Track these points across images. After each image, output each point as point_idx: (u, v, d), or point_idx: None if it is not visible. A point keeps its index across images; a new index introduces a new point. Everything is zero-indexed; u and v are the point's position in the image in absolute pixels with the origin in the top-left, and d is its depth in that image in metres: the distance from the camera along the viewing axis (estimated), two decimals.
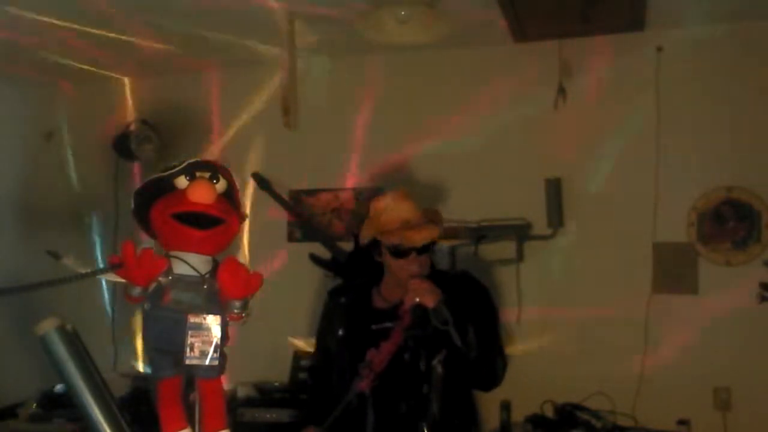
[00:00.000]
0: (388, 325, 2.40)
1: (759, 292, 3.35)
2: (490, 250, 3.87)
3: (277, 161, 4.17)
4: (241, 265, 1.39)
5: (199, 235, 1.36)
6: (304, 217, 4.15)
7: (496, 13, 3.41)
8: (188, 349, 1.32)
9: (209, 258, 1.40)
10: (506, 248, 3.85)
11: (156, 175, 1.43)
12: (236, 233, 1.42)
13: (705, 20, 3.59)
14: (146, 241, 1.48)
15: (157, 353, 1.37)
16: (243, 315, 1.39)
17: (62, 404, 3.78)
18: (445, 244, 3.71)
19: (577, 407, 3.52)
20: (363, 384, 2.30)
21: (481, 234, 3.82)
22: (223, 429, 1.38)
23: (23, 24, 3.54)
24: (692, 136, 3.68)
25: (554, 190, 3.74)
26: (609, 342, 3.68)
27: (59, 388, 3.72)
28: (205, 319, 1.33)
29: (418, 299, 2.34)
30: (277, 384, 3.96)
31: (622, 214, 3.73)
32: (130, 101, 4.50)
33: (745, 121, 3.61)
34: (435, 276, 2.49)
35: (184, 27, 3.64)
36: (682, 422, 3.40)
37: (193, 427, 1.37)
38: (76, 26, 3.61)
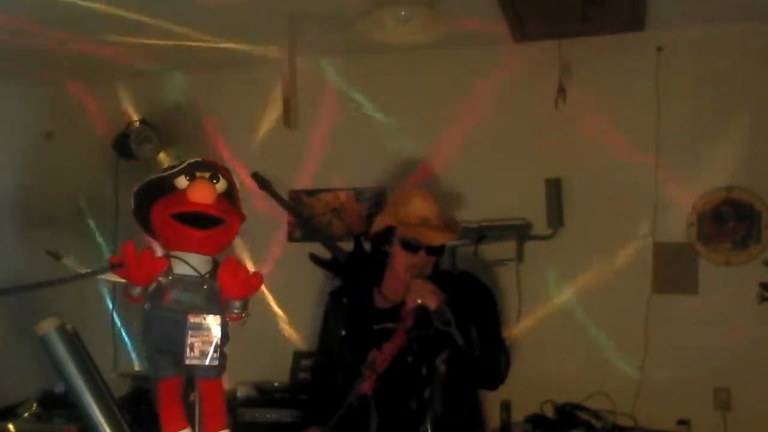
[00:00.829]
0: (390, 325, 2.40)
1: (759, 292, 3.35)
2: (490, 250, 3.87)
3: (277, 161, 4.17)
4: (241, 265, 1.39)
5: (199, 235, 1.36)
6: (304, 217, 4.15)
7: (496, 13, 3.41)
8: (188, 349, 1.32)
9: (209, 258, 1.40)
10: (506, 248, 3.85)
11: (156, 175, 1.43)
12: (236, 233, 1.42)
13: (705, 20, 3.59)
14: (146, 242, 1.48)
15: (157, 353, 1.36)
16: (243, 315, 1.39)
17: (62, 404, 3.78)
18: None
19: (577, 407, 3.51)
20: (365, 385, 2.29)
21: (481, 234, 3.82)
22: (223, 429, 1.38)
23: (23, 24, 3.54)
24: (692, 136, 3.68)
25: (554, 190, 3.74)
26: (609, 342, 3.68)
27: (59, 388, 3.72)
28: (205, 319, 1.33)
29: (420, 300, 2.34)
30: (277, 384, 3.96)
31: (622, 214, 3.73)
32: (130, 101, 4.49)
33: (746, 121, 3.61)
34: (438, 276, 2.49)
35: (184, 27, 3.64)
36: (682, 422, 3.40)
37: (193, 427, 1.37)
38: (76, 26, 3.61)
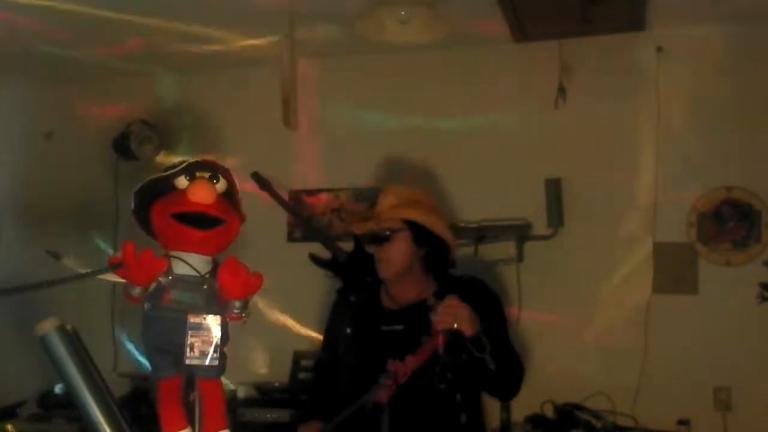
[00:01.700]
0: (399, 327, 2.38)
1: (759, 292, 3.35)
2: (490, 250, 3.87)
3: (277, 161, 4.16)
4: (241, 265, 1.38)
5: (200, 235, 1.35)
6: (304, 217, 4.15)
7: (496, 13, 3.42)
8: (188, 349, 1.32)
9: (209, 258, 1.39)
10: (506, 248, 3.85)
11: (156, 175, 1.42)
12: (237, 233, 1.42)
13: (705, 20, 3.59)
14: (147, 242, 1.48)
15: (157, 353, 1.36)
16: (243, 315, 1.39)
17: (62, 404, 3.78)
18: None
19: (577, 407, 3.52)
20: (383, 394, 2.21)
21: (481, 234, 3.82)
22: (223, 429, 1.38)
23: (23, 23, 3.54)
24: (692, 136, 3.68)
25: (554, 190, 3.74)
26: (609, 342, 3.69)
27: (59, 388, 3.72)
28: (205, 319, 1.33)
29: (456, 325, 2.22)
30: (277, 384, 3.96)
31: (622, 214, 3.74)
32: (130, 101, 4.49)
33: (745, 121, 3.61)
34: (449, 282, 2.47)
35: (184, 27, 3.64)
36: (682, 422, 3.40)
37: (193, 427, 1.37)
38: (76, 26, 3.61)
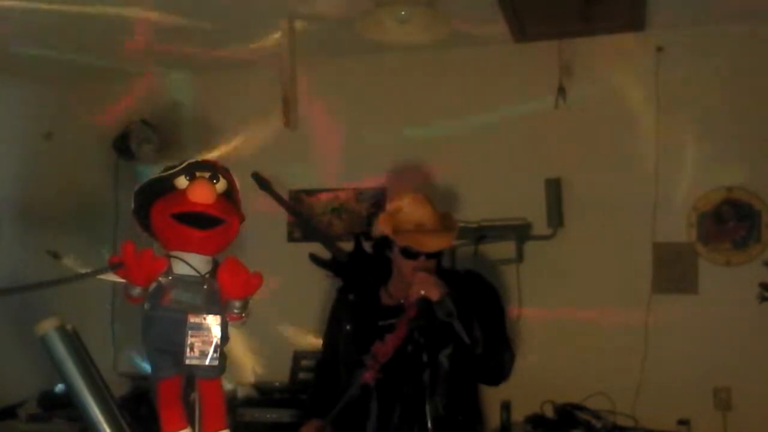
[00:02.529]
0: (394, 321, 2.41)
1: (759, 292, 3.35)
2: (490, 250, 3.87)
3: (277, 161, 4.16)
4: (241, 265, 1.39)
5: (200, 235, 1.36)
6: (304, 217, 4.15)
7: (496, 13, 3.41)
8: (188, 349, 1.32)
9: (209, 258, 1.40)
10: (506, 248, 3.85)
11: (156, 175, 1.43)
12: (236, 233, 1.42)
13: (705, 20, 3.59)
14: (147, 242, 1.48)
15: (157, 353, 1.36)
16: (243, 315, 1.39)
17: (62, 404, 3.78)
18: None
19: (577, 407, 3.52)
20: (367, 375, 2.31)
21: (481, 234, 3.82)
22: (223, 429, 1.38)
23: (23, 23, 3.54)
24: (692, 136, 3.68)
25: (554, 190, 3.74)
26: (609, 342, 3.69)
27: (59, 388, 3.72)
28: (205, 319, 1.33)
29: (423, 292, 2.35)
30: (277, 384, 3.96)
31: (622, 214, 3.73)
32: (130, 101, 4.49)
33: (746, 121, 3.61)
34: (442, 274, 2.50)
35: (184, 27, 3.64)
36: (682, 422, 3.40)
37: (193, 427, 1.37)
38: (75, 26, 3.61)
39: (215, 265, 1.39)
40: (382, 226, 2.51)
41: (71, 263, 1.31)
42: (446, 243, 2.50)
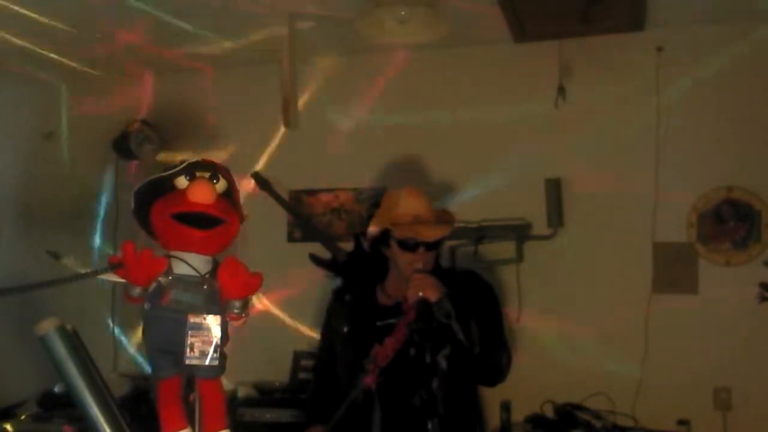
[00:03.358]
0: (393, 321, 2.40)
1: (759, 292, 3.35)
2: (490, 250, 3.87)
3: (277, 161, 4.17)
4: (241, 265, 1.39)
5: (200, 236, 1.36)
6: (304, 217, 4.15)
7: (496, 13, 3.41)
8: (188, 349, 1.32)
9: (209, 258, 1.40)
10: (506, 248, 3.85)
11: (156, 175, 1.43)
12: (236, 233, 1.42)
13: (705, 20, 3.59)
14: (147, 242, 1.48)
15: (157, 353, 1.36)
16: (243, 315, 1.39)
17: (62, 404, 3.78)
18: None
19: (577, 407, 3.52)
20: (368, 379, 2.29)
21: (481, 234, 3.82)
22: (223, 429, 1.38)
23: (23, 23, 3.54)
24: (692, 136, 3.68)
25: (554, 190, 3.74)
26: (609, 342, 3.68)
27: (59, 388, 3.72)
28: (205, 319, 1.33)
29: (421, 293, 2.35)
30: (277, 384, 3.96)
31: (622, 214, 3.73)
32: (130, 101, 4.49)
33: (745, 121, 3.61)
34: (440, 273, 2.49)
35: (184, 26, 3.64)
36: (682, 422, 3.40)
37: (193, 427, 1.37)
38: (75, 26, 3.61)
39: (215, 265, 1.39)
40: (378, 221, 2.51)
41: (71, 263, 1.31)
42: (444, 232, 2.49)
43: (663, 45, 3.68)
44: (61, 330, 1.24)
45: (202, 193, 1.36)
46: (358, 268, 2.72)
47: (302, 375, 3.93)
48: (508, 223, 3.83)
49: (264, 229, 4.07)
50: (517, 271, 3.84)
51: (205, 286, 1.36)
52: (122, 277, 1.33)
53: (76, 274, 1.30)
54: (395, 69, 4.08)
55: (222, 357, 1.35)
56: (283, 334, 4.08)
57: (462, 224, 3.77)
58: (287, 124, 3.57)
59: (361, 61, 4.11)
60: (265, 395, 3.87)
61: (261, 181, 4.09)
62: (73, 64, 4.23)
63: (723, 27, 3.62)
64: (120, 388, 3.73)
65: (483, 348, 2.38)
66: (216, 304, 1.36)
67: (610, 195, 3.75)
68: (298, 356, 4.01)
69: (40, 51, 3.99)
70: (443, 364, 2.43)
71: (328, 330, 2.72)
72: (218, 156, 4.22)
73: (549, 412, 3.54)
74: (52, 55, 4.06)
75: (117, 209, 4.28)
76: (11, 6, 3.32)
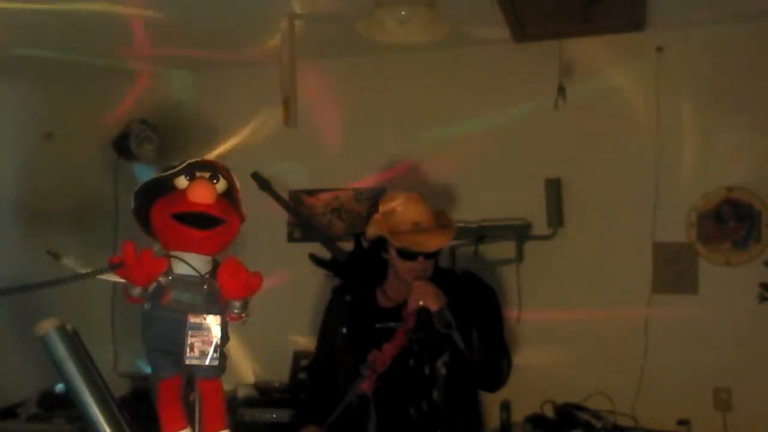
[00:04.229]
0: (392, 324, 2.39)
1: (759, 292, 3.35)
2: (490, 250, 3.87)
3: (277, 161, 4.17)
4: (241, 265, 1.39)
5: (200, 236, 1.35)
6: (304, 217, 4.15)
7: (496, 13, 3.41)
8: (188, 349, 1.32)
9: (209, 258, 1.39)
10: (506, 248, 3.85)
11: (156, 175, 1.42)
12: (237, 233, 1.42)
13: (705, 20, 3.59)
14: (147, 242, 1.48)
15: (157, 353, 1.36)
16: (243, 315, 1.39)
17: (62, 404, 3.78)
18: None
19: (577, 407, 3.52)
20: (365, 385, 2.28)
21: (481, 234, 3.82)
22: (223, 429, 1.38)
23: (23, 23, 3.54)
24: (692, 136, 3.68)
25: (554, 190, 3.74)
26: (609, 342, 3.69)
27: (59, 388, 3.72)
28: (205, 319, 1.33)
29: (422, 302, 2.33)
30: (277, 384, 3.97)
31: (622, 214, 3.73)
32: (130, 101, 4.49)
33: (745, 121, 3.61)
34: (440, 275, 2.48)
35: (184, 26, 3.64)
36: (682, 422, 3.40)
37: (193, 427, 1.37)
38: (76, 26, 3.61)
39: (215, 265, 1.39)
40: (376, 228, 2.47)
41: (71, 263, 1.31)
42: (445, 241, 2.46)
43: (663, 45, 3.68)
44: (61, 330, 1.24)
45: (202, 193, 1.35)
46: (358, 269, 2.71)
47: (302, 375, 3.94)
48: (508, 223, 3.83)
49: (264, 229, 4.07)
50: (517, 271, 3.84)
51: (205, 286, 1.36)
52: (122, 277, 1.33)
53: (76, 274, 1.30)
54: (395, 69, 4.08)
55: (222, 357, 1.35)
56: (283, 334, 4.08)
57: (462, 224, 3.77)
58: (287, 124, 3.57)
59: (361, 61, 4.11)
60: (265, 395, 3.87)
61: (261, 181, 4.08)
62: (73, 64, 4.23)
63: (723, 27, 3.62)
64: (120, 388, 3.74)
65: (483, 355, 2.37)
66: (216, 304, 1.36)
67: (610, 195, 3.75)
68: (298, 356, 4.02)
69: (40, 51, 3.99)
70: (443, 370, 2.42)
71: (326, 329, 2.72)
72: (218, 156, 4.23)
73: (549, 412, 3.54)
74: (52, 55, 4.06)
75: (117, 209, 4.28)
76: (11, 7, 3.32)
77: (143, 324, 1.37)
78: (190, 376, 1.37)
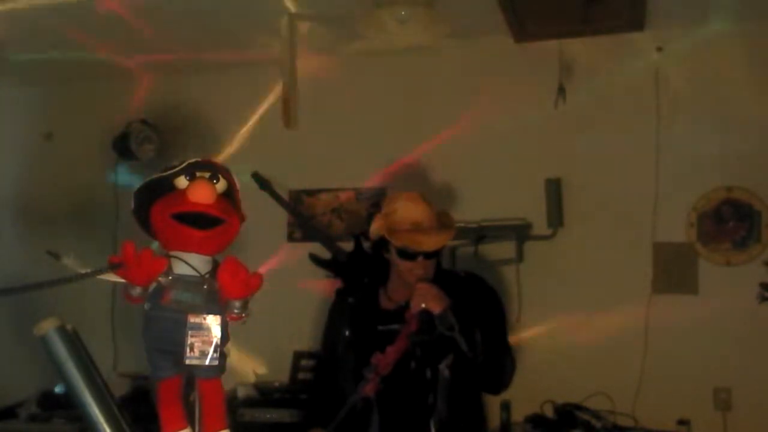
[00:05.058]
0: (395, 326, 2.39)
1: (759, 292, 3.35)
2: (490, 251, 3.87)
3: (277, 161, 4.16)
4: (241, 265, 1.38)
5: (200, 236, 1.35)
6: (304, 217, 4.15)
7: (496, 13, 3.41)
8: (188, 349, 1.32)
9: (209, 258, 1.39)
10: (506, 248, 3.85)
11: (156, 175, 1.42)
12: (237, 233, 1.42)
13: (705, 20, 3.59)
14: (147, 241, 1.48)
15: (157, 353, 1.36)
16: (243, 315, 1.38)
17: (62, 404, 3.78)
18: None
19: (577, 407, 3.52)
20: (368, 388, 2.26)
21: (481, 234, 3.82)
22: (223, 429, 1.38)
23: (23, 23, 3.54)
24: (692, 136, 3.68)
25: (554, 190, 3.74)
26: (609, 342, 3.68)
27: (59, 388, 3.72)
28: (205, 319, 1.33)
29: (424, 305, 2.32)
30: (277, 384, 3.96)
31: (622, 214, 3.73)
32: (130, 101, 4.49)
33: (745, 121, 3.61)
34: (443, 276, 2.48)
35: (184, 26, 3.64)
36: (682, 422, 3.40)
37: (193, 427, 1.37)
38: (76, 26, 3.61)
39: (215, 265, 1.39)
40: (376, 227, 2.46)
41: (71, 263, 1.31)
42: (444, 241, 2.44)
43: (663, 45, 3.68)
44: (61, 330, 1.24)
45: (202, 193, 1.35)
46: (358, 269, 2.71)
47: (302, 375, 3.93)
48: (508, 223, 3.83)
49: (264, 229, 4.07)
50: (517, 271, 3.84)
51: (205, 286, 1.36)
52: (122, 277, 1.33)
53: (76, 274, 1.29)
54: (395, 69, 4.08)
55: (222, 357, 1.35)
56: (283, 334, 4.08)
57: (462, 224, 3.77)
58: (287, 124, 3.57)
59: (361, 61, 4.11)
60: (265, 395, 3.87)
61: (261, 181, 4.08)
62: (74, 64, 4.23)
63: (723, 27, 3.62)
64: (120, 388, 3.73)
65: (486, 356, 2.36)
66: (216, 304, 1.36)
67: (610, 195, 3.75)
68: (298, 356, 4.01)
69: (40, 51, 3.99)
70: (446, 372, 2.42)
71: (330, 331, 2.71)
72: (218, 156, 4.23)
73: (549, 412, 3.54)
74: (52, 55, 4.06)
75: (117, 209, 4.28)
76: (11, 7, 3.32)
77: (143, 324, 1.37)
78: (190, 376, 1.37)
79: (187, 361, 1.33)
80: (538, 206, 3.77)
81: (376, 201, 4.10)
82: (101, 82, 4.51)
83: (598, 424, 3.40)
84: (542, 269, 3.83)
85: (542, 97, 3.75)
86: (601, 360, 3.67)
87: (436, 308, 2.32)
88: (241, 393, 3.86)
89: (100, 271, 1.32)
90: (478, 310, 2.43)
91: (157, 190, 1.40)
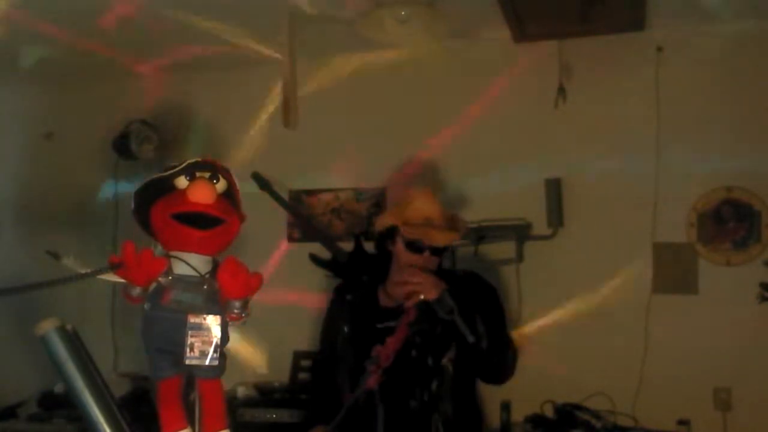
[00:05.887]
0: (393, 323, 2.40)
1: (759, 292, 3.35)
2: (490, 250, 3.87)
3: (277, 161, 4.16)
4: (241, 265, 1.38)
5: (200, 236, 1.35)
6: (304, 217, 4.15)
7: (496, 13, 3.41)
8: (188, 349, 1.32)
9: (209, 258, 1.39)
10: (506, 248, 3.85)
11: (156, 175, 1.42)
12: (237, 233, 1.42)
13: (705, 20, 3.59)
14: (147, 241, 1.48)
15: (157, 353, 1.36)
16: (243, 315, 1.38)
17: (62, 404, 3.78)
18: None
19: (577, 407, 3.52)
20: (371, 380, 2.27)
21: (481, 234, 3.82)
22: (223, 429, 1.38)
23: (23, 23, 3.54)
24: (692, 136, 3.68)
25: (554, 190, 3.74)
26: (609, 342, 3.68)
27: (59, 388, 3.73)
28: (205, 319, 1.33)
29: (422, 296, 2.34)
30: (277, 384, 3.96)
31: (622, 214, 3.73)
32: (130, 101, 4.49)
33: (745, 121, 3.61)
34: (442, 275, 2.49)
35: (184, 26, 3.64)
36: (682, 422, 3.40)
37: (193, 427, 1.37)
38: (76, 26, 3.61)
39: (215, 265, 1.39)
40: (390, 218, 2.52)
41: (71, 263, 1.31)
42: (453, 239, 2.50)
43: (663, 45, 3.68)
44: (61, 330, 1.24)
45: (202, 193, 1.35)
46: (358, 269, 2.71)
47: (302, 375, 3.94)
48: (508, 223, 3.83)
49: (264, 229, 4.07)
50: (517, 271, 3.84)
51: (205, 286, 1.36)
52: (122, 277, 1.33)
53: (76, 274, 1.29)
54: (395, 69, 4.08)
55: (222, 357, 1.35)
56: (283, 334, 4.08)
57: (465, 223, 3.78)
58: (287, 124, 3.57)
59: (361, 60, 4.11)
60: (265, 395, 3.87)
61: (261, 181, 4.08)
62: (74, 64, 4.23)
63: (723, 27, 3.62)
64: (120, 388, 3.73)
65: (490, 343, 2.38)
66: (216, 304, 1.36)
67: (610, 195, 3.75)
68: (298, 356, 4.01)
69: (39, 51, 3.99)
70: (449, 367, 2.42)
71: (329, 328, 2.72)
72: (218, 156, 4.22)
73: (549, 412, 3.53)
74: (52, 55, 4.06)
75: (117, 209, 4.28)
76: (12, 5, 3.32)
77: (143, 324, 1.37)
78: (190, 376, 1.37)
79: (187, 361, 1.33)
80: (538, 206, 3.77)
81: (376, 201, 4.10)
82: (101, 82, 4.50)
83: (598, 424, 3.40)
84: (542, 269, 3.83)
85: (542, 97, 3.75)
86: (601, 360, 3.67)
87: (433, 294, 2.34)
88: (241, 393, 3.86)
89: (100, 271, 1.32)
90: (478, 306, 2.44)
91: (157, 190, 1.40)
